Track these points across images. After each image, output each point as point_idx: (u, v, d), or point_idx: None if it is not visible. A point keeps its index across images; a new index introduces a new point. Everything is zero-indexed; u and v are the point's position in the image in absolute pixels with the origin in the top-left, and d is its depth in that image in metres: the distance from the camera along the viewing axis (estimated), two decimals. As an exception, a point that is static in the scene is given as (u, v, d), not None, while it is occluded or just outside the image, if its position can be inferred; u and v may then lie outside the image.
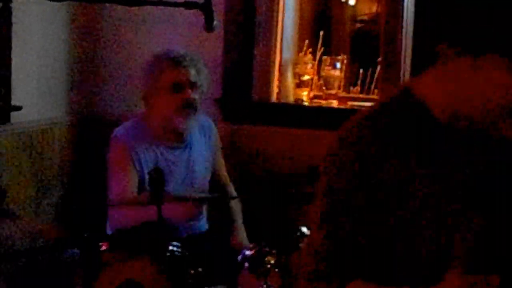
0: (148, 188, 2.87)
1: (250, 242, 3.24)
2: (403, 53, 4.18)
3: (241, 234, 3.48)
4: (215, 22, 2.47)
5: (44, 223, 3.53)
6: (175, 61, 3.27)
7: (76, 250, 2.45)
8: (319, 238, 1.56)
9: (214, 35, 4.06)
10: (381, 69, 4.26)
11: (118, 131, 3.33)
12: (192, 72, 3.28)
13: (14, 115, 3.77)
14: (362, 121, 1.56)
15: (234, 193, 3.58)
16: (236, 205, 3.54)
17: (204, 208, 3.33)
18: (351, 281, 1.54)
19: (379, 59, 4.27)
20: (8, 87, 3.71)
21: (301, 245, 2.74)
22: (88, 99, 4.33)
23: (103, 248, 2.49)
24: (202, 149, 3.45)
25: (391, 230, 1.51)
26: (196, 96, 3.29)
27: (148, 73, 3.32)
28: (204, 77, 3.35)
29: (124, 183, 3.19)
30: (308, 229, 2.56)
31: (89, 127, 4.25)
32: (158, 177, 2.51)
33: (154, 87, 3.28)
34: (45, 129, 3.96)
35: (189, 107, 3.28)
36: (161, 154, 3.31)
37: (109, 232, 3.29)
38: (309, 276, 1.56)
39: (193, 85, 3.29)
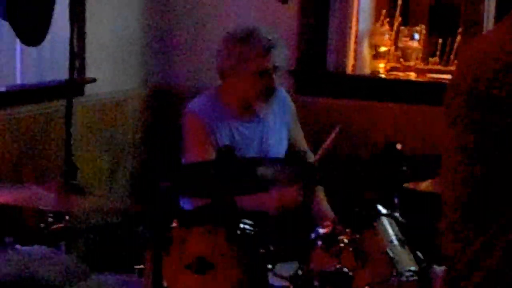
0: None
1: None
2: (485, 22, 4.04)
3: (323, 199, 3.40)
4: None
5: (117, 197, 3.53)
6: (267, 49, 3.20)
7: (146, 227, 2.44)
8: None
9: (290, 5, 4.01)
10: (461, 39, 4.11)
11: (193, 105, 3.29)
12: (278, 58, 3.23)
13: (88, 87, 3.79)
14: None
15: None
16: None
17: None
18: None
19: (460, 29, 4.12)
20: (82, 60, 3.73)
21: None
22: (162, 71, 4.31)
23: (174, 225, 2.46)
24: (276, 122, 3.40)
25: None
26: (277, 80, 3.25)
27: (233, 52, 3.22)
28: (285, 60, 3.31)
29: (201, 159, 3.15)
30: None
31: (163, 99, 4.24)
32: (228, 154, 2.46)
33: (238, 69, 3.21)
34: (119, 102, 3.96)
35: (271, 94, 3.23)
36: (235, 128, 3.27)
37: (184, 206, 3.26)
38: None
39: (277, 71, 3.24)
